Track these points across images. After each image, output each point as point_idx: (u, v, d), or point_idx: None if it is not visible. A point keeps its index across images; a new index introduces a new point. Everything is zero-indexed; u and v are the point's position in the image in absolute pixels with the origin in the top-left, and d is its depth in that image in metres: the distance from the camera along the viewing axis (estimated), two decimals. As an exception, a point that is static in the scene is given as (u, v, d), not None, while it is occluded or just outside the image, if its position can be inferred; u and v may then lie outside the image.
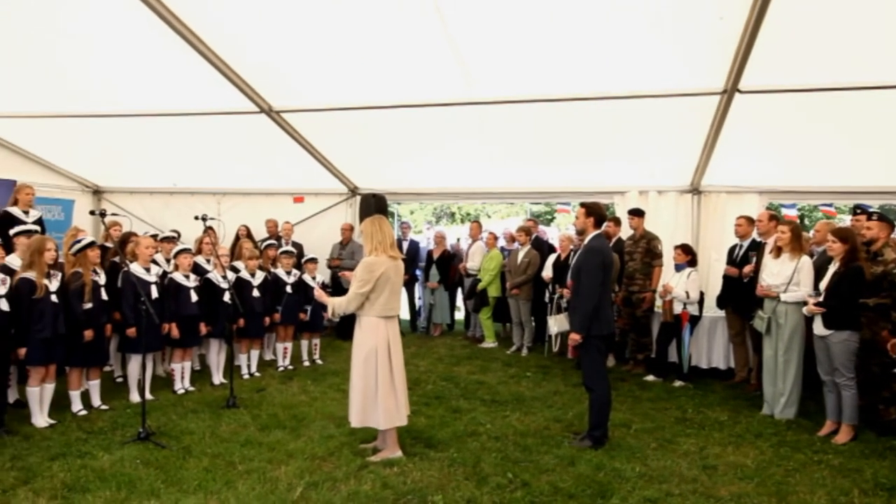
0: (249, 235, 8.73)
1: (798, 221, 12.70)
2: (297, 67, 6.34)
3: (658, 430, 5.19)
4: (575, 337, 4.70)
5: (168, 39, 5.62)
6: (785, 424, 5.33)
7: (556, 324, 7.21)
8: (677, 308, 6.65)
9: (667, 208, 8.21)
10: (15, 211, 6.29)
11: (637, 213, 7.42)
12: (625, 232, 7.73)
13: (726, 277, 6.77)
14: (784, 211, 11.77)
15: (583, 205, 4.89)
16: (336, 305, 4.42)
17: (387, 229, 4.49)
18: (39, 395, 5.00)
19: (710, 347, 7.17)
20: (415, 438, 4.82)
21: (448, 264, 9.63)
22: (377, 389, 4.31)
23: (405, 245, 9.79)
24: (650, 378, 6.80)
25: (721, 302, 6.87)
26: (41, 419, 5.00)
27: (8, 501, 3.66)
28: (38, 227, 5.91)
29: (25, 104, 7.51)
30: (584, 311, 4.63)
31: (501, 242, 9.64)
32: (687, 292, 6.55)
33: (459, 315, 10.56)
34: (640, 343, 7.31)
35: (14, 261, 5.16)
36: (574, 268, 4.89)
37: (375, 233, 4.43)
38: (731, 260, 6.78)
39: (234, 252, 7.66)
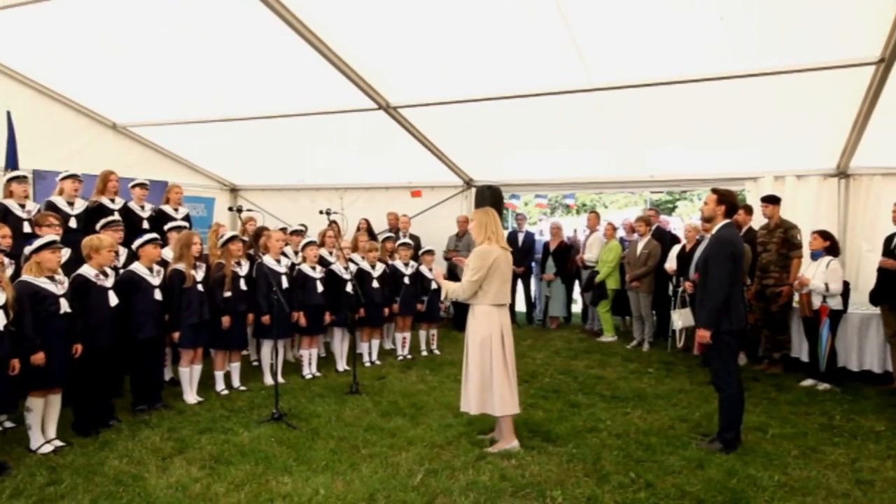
0: (369, 228, 9.07)
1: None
2: (412, 63, 6.47)
3: (799, 436, 4.75)
4: (703, 333, 4.40)
5: (294, 44, 5.96)
6: (956, 437, 4.69)
7: (681, 318, 6.87)
8: (816, 302, 6.04)
9: (807, 194, 7.49)
10: (167, 208, 6.98)
11: (772, 201, 6.82)
12: (755, 221, 7.15)
13: (882, 271, 6.02)
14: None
15: (714, 191, 4.55)
16: (451, 291, 4.49)
17: (497, 221, 4.50)
18: (189, 375, 5.53)
19: (862, 348, 6.41)
20: (532, 431, 4.78)
21: (565, 256, 9.44)
22: (493, 376, 4.33)
23: (520, 237, 9.72)
24: (808, 382, 6.20)
25: (876, 298, 6.11)
26: (191, 396, 5.52)
27: (167, 467, 4.08)
28: (186, 223, 6.50)
29: (173, 113, 8.36)
30: (713, 305, 4.32)
31: (620, 233, 9.28)
32: (826, 284, 5.92)
33: (576, 308, 10.33)
34: (776, 341, 6.73)
35: (168, 254, 5.73)
36: (700, 259, 4.59)
37: (489, 223, 4.44)
38: (888, 251, 6.02)
39: (353, 244, 8.00)
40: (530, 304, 10.13)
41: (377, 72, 6.73)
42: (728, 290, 4.31)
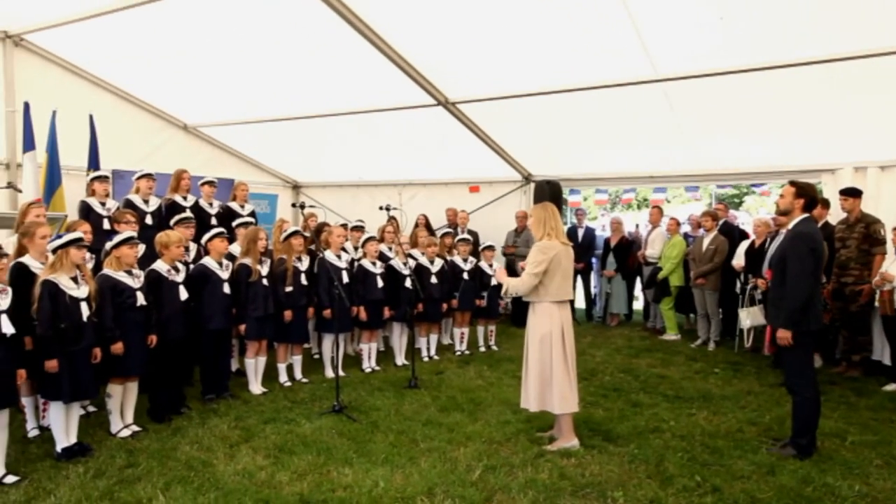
0: (427, 224, 9.12)
1: None
2: (471, 58, 6.45)
3: (882, 444, 4.46)
4: (784, 334, 4.13)
5: (355, 42, 6.06)
6: None
7: (750, 317, 6.59)
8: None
9: (892, 186, 7.01)
10: (234, 205, 7.23)
11: (852, 194, 6.41)
12: (832, 216, 6.77)
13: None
14: None
15: (792, 183, 4.30)
16: (511, 286, 4.46)
17: (557, 217, 4.44)
18: (255, 366, 5.72)
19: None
20: (592, 430, 4.69)
21: (626, 252, 9.22)
22: (552, 373, 4.28)
23: (580, 232, 9.55)
24: (891, 387, 5.81)
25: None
26: (256, 387, 5.71)
27: (234, 455, 4.23)
28: (252, 219, 6.72)
29: (239, 113, 8.67)
30: (794, 304, 4.08)
31: (685, 228, 8.98)
32: (911, 281, 5.54)
33: (638, 305, 10.07)
34: (856, 342, 6.35)
35: (235, 249, 5.93)
36: (776, 255, 4.36)
37: (548, 218, 4.39)
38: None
39: (413, 240, 8.06)
40: (590, 300, 9.95)
41: (436, 67, 6.75)
42: (810, 289, 4.07)
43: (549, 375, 4.30)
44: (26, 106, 6.87)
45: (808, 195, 4.23)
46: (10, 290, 3.84)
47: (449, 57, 6.50)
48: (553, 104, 7.00)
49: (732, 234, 8.03)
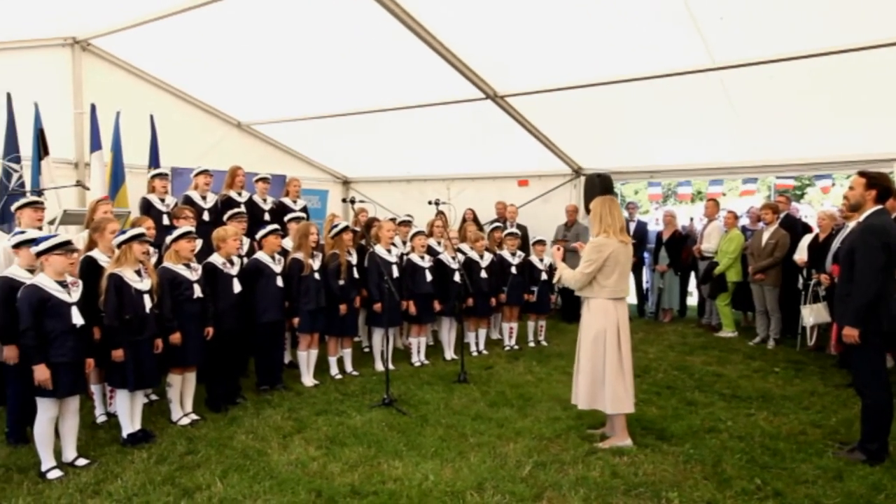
0: (475, 219, 9.10)
1: None
2: (519, 51, 6.39)
3: (960, 450, 4.20)
4: (851, 333, 3.92)
5: (403, 37, 6.08)
6: None
7: (813, 314, 6.31)
8: None
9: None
10: (286, 201, 7.39)
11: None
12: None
13: None
14: None
15: (863, 174, 4.06)
16: (565, 276, 4.40)
17: (617, 212, 4.33)
18: (307, 359, 5.84)
19: None
20: (645, 429, 4.59)
21: (679, 246, 8.96)
22: (605, 372, 4.19)
23: (631, 226, 9.34)
24: None
25: None
26: (308, 379, 5.82)
27: (287, 445, 4.33)
28: (304, 215, 6.85)
29: (290, 110, 8.85)
30: (861, 300, 3.86)
31: (743, 221, 8.65)
32: None
33: (691, 300, 9.79)
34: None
35: (288, 243, 6.06)
36: (843, 249, 4.14)
37: (605, 215, 4.29)
38: None
39: (461, 234, 8.05)
40: (642, 296, 9.73)
41: (485, 61, 6.71)
42: (880, 285, 3.85)
43: (601, 374, 4.22)
44: (93, 108, 7.20)
45: (881, 185, 3.99)
46: (80, 282, 4.03)
47: (498, 50, 6.44)
48: (604, 95, 6.85)
49: (794, 228, 7.70)
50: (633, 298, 9.65)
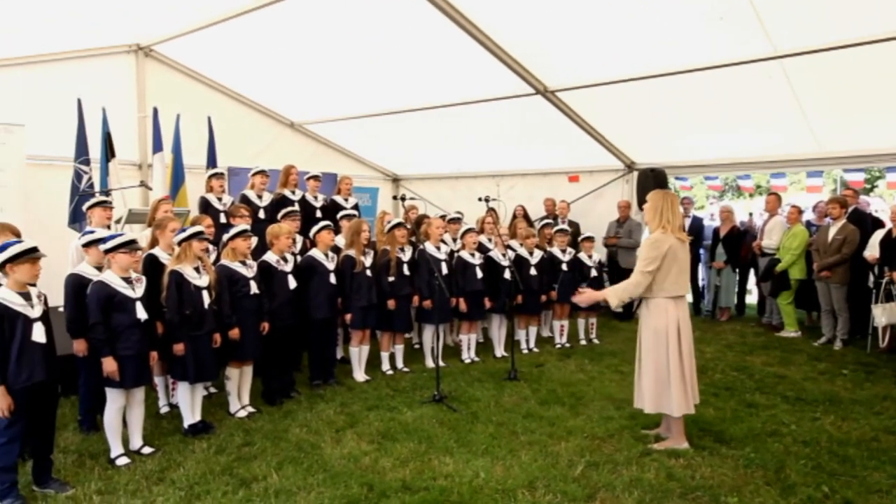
0: (526, 215, 9.02)
1: None
2: (569, 44, 6.29)
3: None
4: None
5: (451, 32, 6.07)
6: None
7: (886, 314, 6.02)
8: None
9: None
10: (338, 198, 7.51)
11: None
12: None
13: None
14: None
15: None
16: (619, 294, 4.20)
17: (675, 208, 4.19)
18: (359, 355, 5.92)
19: None
20: (702, 430, 4.45)
21: (737, 242, 8.65)
22: (670, 374, 4.07)
23: (687, 222, 9.06)
24: None
25: None
26: (360, 374, 5.91)
27: (340, 439, 4.41)
28: (355, 212, 6.94)
29: (340, 109, 8.98)
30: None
31: (808, 216, 8.28)
32: None
33: (751, 299, 9.44)
34: None
35: (340, 241, 6.15)
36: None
37: (665, 210, 4.16)
38: None
39: (512, 231, 7.99)
40: (697, 293, 9.44)
41: (534, 56, 6.63)
42: None
43: (665, 376, 4.09)
44: (155, 111, 7.51)
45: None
46: (143, 279, 4.21)
47: (547, 44, 6.35)
48: (658, 88, 6.66)
49: (864, 223, 7.31)
50: (688, 296, 9.39)
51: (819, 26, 5.18)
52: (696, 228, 9.17)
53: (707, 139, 8.03)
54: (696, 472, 3.81)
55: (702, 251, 9.29)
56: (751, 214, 10.77)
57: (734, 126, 7.52)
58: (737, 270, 8.82)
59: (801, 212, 7.92)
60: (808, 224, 8.16)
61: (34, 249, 3.51)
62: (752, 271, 8.77)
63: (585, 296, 4.45)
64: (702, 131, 7.84)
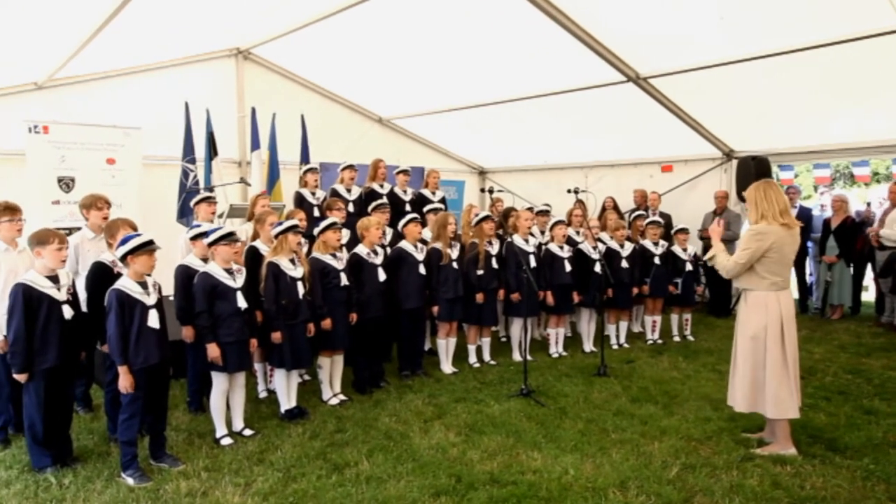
0: (616, 207, 8.75)
1: None
2: (661, 29, 6.01)
3: None
4: None
5: (539, 21, 5.96)
6: None
7: None
8: None
9: None
10: (426, 192, 7.59)
11: None
12: None
13: None
14: None
15: None
16: (718, 257, 4.09)
17: (773, 194, 3.90)
18: (446, 347, 5.97)
19: None
20: (812, 437, 4.14)
21: (851, 234, 7.96)
22: (766, 373, 3.83)
23: (793, 213, 8.45)
24: None
25: None
26: (447, 367, 5.95)
27: (428, 430, 4.46)
28: (442, 206, 6.99)
29: (427, 103, 9.07)
30: None
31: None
32: None
33: (867, 296, 8.67)
34: None
35: (427, 234, 6.21)
36: None
37: (760, 200, 3.90)
38: None
39: (602, 223, 7.77)
40: (805, 289, 8.79)
41: (625, 42, 6.40)
42: None
43: (761, 375, 3.85)
44: (253, 111, 7.90)
45: None
46: (244, 269, 4.44)
47: (639, 30, 6.10)
48: (758, 70, 6.24)
49: None
50: (794, 293, 8.77)
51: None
52: (804, 220, 8.47)
53: (817, 123, 7.44)
54: (806, 481, 3.55)
55: (810, 244, 8.64)
56: (868, 204, 9.88)
57: (850, 108, 6.92)
58: (851, 265, 8.14)
59: (929, 201, 7.17)
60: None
61: (151, 242, 3.79)
62: (869, 266, 8.05)
63: (714, 230, 4.31)
64: (811, 115, 7.28)
